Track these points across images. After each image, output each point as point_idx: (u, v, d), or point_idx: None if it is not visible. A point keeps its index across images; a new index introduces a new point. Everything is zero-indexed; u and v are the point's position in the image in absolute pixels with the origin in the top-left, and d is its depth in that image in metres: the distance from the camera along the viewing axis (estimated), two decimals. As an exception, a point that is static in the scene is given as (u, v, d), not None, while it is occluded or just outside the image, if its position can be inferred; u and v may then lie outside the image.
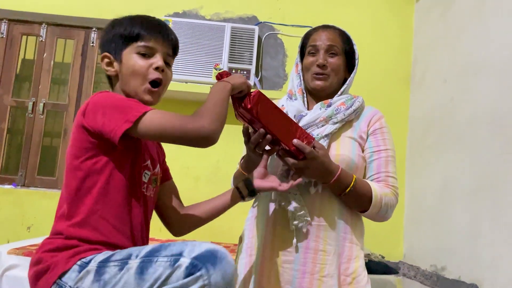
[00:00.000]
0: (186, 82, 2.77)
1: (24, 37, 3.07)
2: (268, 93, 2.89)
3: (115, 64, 1.12)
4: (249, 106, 1.13)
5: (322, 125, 1.29)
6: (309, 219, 1.22)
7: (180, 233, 1.28)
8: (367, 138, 1.33)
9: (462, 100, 2.37)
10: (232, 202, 1.26)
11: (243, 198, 1.25)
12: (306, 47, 1.39)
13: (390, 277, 2.47)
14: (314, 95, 1.38)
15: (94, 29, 3.00)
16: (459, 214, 2.27)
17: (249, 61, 2.81)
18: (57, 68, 3.08)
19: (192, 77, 2.76)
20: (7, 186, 2.83)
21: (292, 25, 2.97)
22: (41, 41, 3.01)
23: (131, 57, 1.10)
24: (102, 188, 1.03)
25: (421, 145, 2.79)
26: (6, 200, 2.77)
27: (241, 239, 1.37)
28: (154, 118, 0.98)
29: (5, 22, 2.99)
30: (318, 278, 1.20)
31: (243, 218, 1.40)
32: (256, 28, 2.86)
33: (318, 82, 1.34)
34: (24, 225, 2.75)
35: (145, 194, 1.12)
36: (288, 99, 1.39)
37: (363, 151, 1.32)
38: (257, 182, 1.22)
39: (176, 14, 2.93)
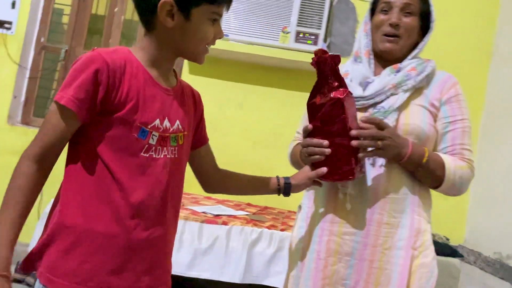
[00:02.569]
0: (252, 44, 2.72)
1: (97, -9, 3.14)
2: (336, 60, 2.80)
3: (177, 17, 0.94)
4: (341, 96, 1.06)
5: (392, 93, 1.20)
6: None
7: (212, 192, 1.27)
8: (441, 106, 1.22)
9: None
10: (269, 192, 1.24)
11: (278, 194, 1.24)
12: (378, 4, 1.27)
13: (454, 260, 2.36)
14: (381, 58, 1.28)
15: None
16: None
17: (318, 26, 2.71)
18: (127, 24, 3.12)
19: (258, 39, 2.71)
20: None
21: (367, -11, 2.81)
22: (113, -5, 3.07)
23: (203, 20, 0.97)
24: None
25: (496, 123, 2.61)
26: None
27: (300, 207, 1.34)
28: (49, 116, 0.93)
29: (80, -25, 3.07)
30: (381, 250, 1.16)
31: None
32: (329, -9, 2.73)
33: (388, 44, 1.24)
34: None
35: (154, 157, 0.97)
36: (353, 62, 1.30)
37: (435, 120, 1.22)
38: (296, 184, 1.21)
39: (246, -27, 2.86)
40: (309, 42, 2.70)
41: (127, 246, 0.93)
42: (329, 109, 1.09)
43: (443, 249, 2.40)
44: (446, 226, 2.71)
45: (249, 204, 2.78)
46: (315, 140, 1.12)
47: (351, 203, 1.18)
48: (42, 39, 3.05)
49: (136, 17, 3.14)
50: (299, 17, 2.70)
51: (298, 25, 2.70)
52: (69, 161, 0.97)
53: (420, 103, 1.22)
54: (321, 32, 2.70)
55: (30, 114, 3.05)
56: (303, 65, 2.72)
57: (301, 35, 2.70)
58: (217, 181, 1.22)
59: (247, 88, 2.92)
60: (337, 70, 1.11)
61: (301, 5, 2.70)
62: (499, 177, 2.46)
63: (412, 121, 1.19)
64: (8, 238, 0.87)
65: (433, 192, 1.25)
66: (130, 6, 3.13)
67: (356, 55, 1.31)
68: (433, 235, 2.57)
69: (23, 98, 3.03)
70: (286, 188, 1.22)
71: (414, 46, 1.27)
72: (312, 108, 1.13)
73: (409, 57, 1.26)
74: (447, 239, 2.67)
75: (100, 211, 0.92)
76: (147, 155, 0.95)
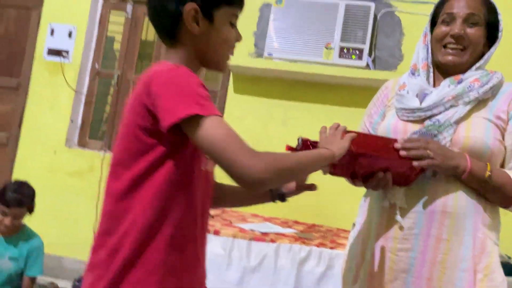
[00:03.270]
0: (295, 61, 2.74)
1: (146, 18, 3.28)
2: (381, 74, 2.76)
3: (202, 22, 0.94)
4: (354, 150, 1.03)
5: (451, 105, 1.13)
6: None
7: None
8: (510, 120, 1.14)
9: None
10: (262, 199, 1.16)
11: (272, 200, 1.15)
12: (439, 16, 1.21)
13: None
14: (443, 70, 1.21)
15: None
16: None
17: (363, 40, 2.69)
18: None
19: (302, 56, 2.73)
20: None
21: (412, 1, 2.77)
22: (161, 21, 3.20)
23: (225, 23, 0.97)
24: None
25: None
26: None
27: (354, 225, 1.31)
28: (217, 126, 0.83)
29: (130, 3, 3.23)
30: (440, 269, 1.09)
31: (352, 201, 1.34)
32: (372, 5, 2.71)
33: (451, 57, 1.16)
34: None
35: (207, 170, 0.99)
36: (410, 76, 1.23)
37: (502, 136, 1.13)
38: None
39: (289, -8, 2.90)
40: (353, 57, 2.68)
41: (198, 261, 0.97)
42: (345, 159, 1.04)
43: (505, 268, 2.26)
44: (509, 244, 2.55)
45: (296, 222, 2.76)
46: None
47: (404, 216, 1.12)
48: (97, 66, 3.23)
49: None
50: (343, 33, 2.69)
51: (341, 41, 2.69)
52: (142, 182, 0.91)
53: (484, 116, 1.14)
54: (366, 47, 2.67)
55: (86, 137, 3.21)
56: (347, 80, 2.70)
57: (345, 51, 2.69)
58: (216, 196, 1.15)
59: (290, 105, 2.93)
60: None
61: (344, 20, 2.70)
62: None
63: (473, 134, 1.11)
64: None
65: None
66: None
67: (413, 68, 1.24)
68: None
69: (79, 122, 3.20)
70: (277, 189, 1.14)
71: (480, 57, 1.19)
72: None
73: (473, 68, 1.17)
74: (509, 258, 2.51)
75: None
76: (204, 169, 0.96)
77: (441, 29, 1.19)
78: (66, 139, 3.13)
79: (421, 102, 1.17)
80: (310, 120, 2.89)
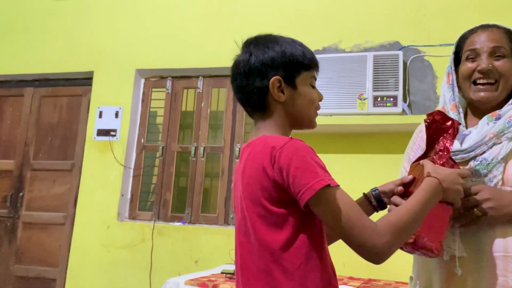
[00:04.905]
0: (331, 115, 2.78)
1: (185, 91, 3.48)
2: (419, 118, 2.75)
3: (286, 90, 1.03)
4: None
5: (494, 143, 1.09)
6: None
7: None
8: None
9: None
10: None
11: (375, 209, 1.15)
12: (462, 53, 1.19)
13: None
14: (476, 108, 1.17)
15: (242, 75, 3.25)
16: None
17: (395, 87, 2.71)
18: (212, 115, 3.39)
19: (336, 109, 2.77)
20: (177, 224, 3.16)
21: (440, 45, 2.79)
22: (199, 92, 3.38)
23: (306, 86, 1.05)
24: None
25: None
26: (176, 236, 3.08)
27: (411, 278, 1.24)
28: (340, 198, 0.89)
29: (169, 79, 3.45)
30: None
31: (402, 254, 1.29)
32: (400, 53, 2.76)
33: (483, 94, 1.13)
34: (192, 259, 3.01)
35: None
36: None
37: None
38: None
39: (317, 52, 3.01)
40: (388, 104, 2.70)
41: None
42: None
43: None
44: None
45: (351, 278, 2.66)
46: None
47: (463, 267, 1.06)
48: (142, 140, 3.41)
49: (221, 107, 3.40)
50: (374, 82, 2.74)
51: (374, 90, 2.73)
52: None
53: None
54: (399, 93, 2.69)
55: (136, 209, 3.33)
56: (384, 127, 2.70)
57: (378, 99, 2.71)
58: None
59: (331, 158, 2.93)
60: (440, 134, 1.08)
61: (374, 70, 2.75)
62: None
63: None
64: None
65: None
66: (214, 99, 3.42)
67: (443, 110, 1.21)
68: None
69: (129, 195, 3.34)
70: (375, 197, 1.15)
71: None
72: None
73: (510, 102, 1.14)
74: None
75: None
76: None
77: (467, 65, 1.17)
78: (117, 213, 3.24)
79: (461, 144, 1.14)
80: (352, 171, 2.88)
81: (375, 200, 1.16)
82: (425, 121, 1.10)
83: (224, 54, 3.26)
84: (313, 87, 1.08)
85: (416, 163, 1.10)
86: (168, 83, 3.45)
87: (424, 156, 1.10)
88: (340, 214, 0.88)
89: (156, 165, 3.39)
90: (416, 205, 0.94)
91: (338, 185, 0.92)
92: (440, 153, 1.05)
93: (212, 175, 3.38)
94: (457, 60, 1.22)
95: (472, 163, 1.11)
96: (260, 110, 1.05)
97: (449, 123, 1.05)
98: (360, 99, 2.75)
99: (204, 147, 3.27)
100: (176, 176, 3.38)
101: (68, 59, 3.59)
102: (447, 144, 1.05)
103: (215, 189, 3.27)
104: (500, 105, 1.15)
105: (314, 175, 0.90)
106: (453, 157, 1.13)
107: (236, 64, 1.07)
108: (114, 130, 3.35)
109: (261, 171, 0.94)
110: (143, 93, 3.49)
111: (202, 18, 3.35)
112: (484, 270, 1.05)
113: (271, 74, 1.02)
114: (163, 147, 3.36)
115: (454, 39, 1.20)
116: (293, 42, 1.07)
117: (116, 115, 3.37)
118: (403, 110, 2.70)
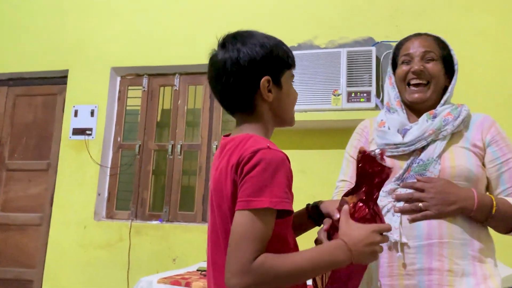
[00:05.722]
0: (306, 111, 2.80)
1: (162, 88, 3.47)
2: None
3: (273, 90, 1.03)
4: None
5: (432, 140, 1.19)
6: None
7: None
8: (487, 147, 1.20)
9: None
10: (306, 224, 1.17)
11: (316, 222, 1.15)
12: (398, 58, 1.32)
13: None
14: (413, 108, 1.29)
15: (219, 72, 3.24)
16: None
17: (369, 83, 2.74)
18: (189, 112, 3.38)
19: (311, 105, 2.79)
20: (154, 222, 3.15)
21: (412, 40, 2.83)
22: (176, 90, 3.37)
23: (289, 84, 1.07)
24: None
25: None
26: (154, 234, 3.07)
27: None
28: (259, 224, 0.88)
29: (145, 77, 3.43)
30: None
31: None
32: (373, 49, 2.79)
33: (416, 95, 1.25)
34: (170, 257, 3.00)
35: None
36: (387, 113, 1.32)
37: (481, 162, 1.19)
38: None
39: (292, 48, 3.00)
40: (362, 100, 2.72)
41: None
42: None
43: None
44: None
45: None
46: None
47: (404, 251, 1.13)
48: (119, 139, 3.38)
49: (198, 105, 3.39)
50: (348, 78, 2.76)
51: (348, 86, 2.75)
52: None
53: (462, 145, 1.20)
54: (372, 89, 2.72)
55: (113, 208, 3.30)
56: (359, 123, 2.72)
57: (352, 95, 2.73)
58: None
59: (307, 154, 2.95)
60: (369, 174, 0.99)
61: (348, 66, 2.77)
62: None
63: (458, 163, 1.16)
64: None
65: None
66: (191, 97, 3.41)
67: (388, 106, 1.33)
68: None
69: (106, 194, 3.31)
70: (313, 208, 1.16)
71: (443, 92, 1.29)
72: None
73: (442, 102, 1.26)
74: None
75: None
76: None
77: (402, 68, 1.29)
78: (94, 212, 3.22)
79: (403, 137, 1.23)
80: (328, 166, 2.90)
81: (314, 214, 1.16)
82: (358, 154, 1.01)
83: (200, 51, 3.26)
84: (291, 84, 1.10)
85: (350, 197, 1.02)
86: (145, 81, 3.43)
87: (356, 189, 1.02)
88: (242, 235, 0.88)
89: (133, 164, 3.37)
90: (306, 263, 0.90)
91: (287, 209, 0.90)
92: (361, 204, 0.98)
93: (189, 172, 3.37)
94: (394, 65, 1.34)
95: (412, 167, 1.19)
96: (246, 109, 1.04)
97: (379, 168, 0.97)
98: (334, 95, 2.77)
99: (181, 145, 3.26)
100: (154, 174, 3.37)
101: (42, 58, 3.54)
102: (374, 191, 0.98)
103: (193, 186, 3.27)
104: (434, 106, 1.26)
105: (261, 192, 0.89)
106: (395, 150, 1.20)
107: (221, 62, 1.02)
108: (90, 129, 3.32)
109: (229, 168, 0.95)
110: (119, 91, 3.46)
111: (178, 15, 3.33)
112: (422, 254, 1.11)
113: (261, 74, 1.01)
114: (140, 146, 3.34)
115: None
116: (278, 40, 1.06)
117: (92, 113, 3.34)
118: (376, 105, 2.73)
